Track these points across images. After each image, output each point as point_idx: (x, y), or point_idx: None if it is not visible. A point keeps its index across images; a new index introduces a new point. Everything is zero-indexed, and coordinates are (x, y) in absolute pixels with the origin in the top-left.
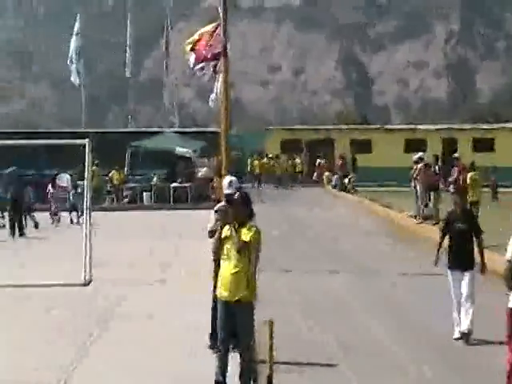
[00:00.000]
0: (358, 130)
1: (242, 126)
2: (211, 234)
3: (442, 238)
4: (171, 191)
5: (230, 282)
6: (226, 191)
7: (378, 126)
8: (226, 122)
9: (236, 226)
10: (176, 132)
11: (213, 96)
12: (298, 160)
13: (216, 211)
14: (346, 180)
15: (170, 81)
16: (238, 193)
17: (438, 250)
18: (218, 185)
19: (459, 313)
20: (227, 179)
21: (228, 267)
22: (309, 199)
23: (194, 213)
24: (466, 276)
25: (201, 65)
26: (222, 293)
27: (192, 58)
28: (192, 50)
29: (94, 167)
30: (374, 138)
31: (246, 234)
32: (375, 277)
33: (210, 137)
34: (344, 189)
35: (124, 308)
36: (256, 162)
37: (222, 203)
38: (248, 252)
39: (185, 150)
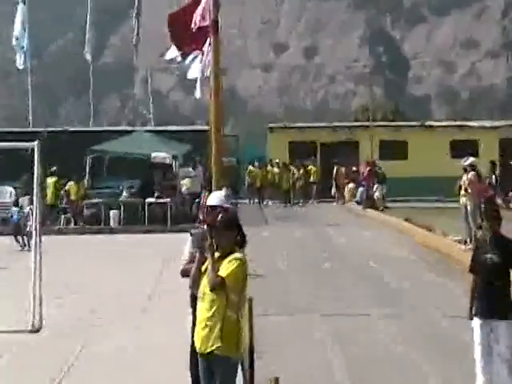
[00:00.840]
0: (390, 129)
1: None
2: (184, 273)
3: (476, 275)
4: (145, 209)
5: (202, 328)
6: (210, 202)
7: (416, 123)
8: (218, 118)
9: (216, 257)
10: (151, 131)
11: (199, 84)
12: (312, 167)
13: (192, 234)
14: (377, 194)
15: (143, 64)
16: (223, 211)
17: (473, 296)
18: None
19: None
20: (217, 192)
21: (201, 310)
22: (326, 220)
23: (174, 238)
24: (500, 327)
25: (182, 51)
26: (195, 341)
27: (173, 49)
28: (171, 29)
29: (51, 178)
30: (410, 138)
31: (225, 268)
32: (418, 317)
33: (196, 138)
34: (371, 205)
35: (81, 367)
36: (257, 172)
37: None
38: (226, 292)
39: (163, 155)
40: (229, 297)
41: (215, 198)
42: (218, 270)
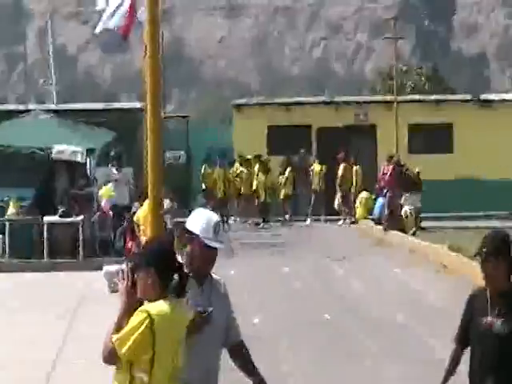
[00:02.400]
0: (425, 106)
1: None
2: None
3: (460, 345)
4: (43, 233)
5: None
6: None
7: (465, 96)
8: (155, 91)
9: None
10: (52, 112)
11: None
12: (316, 164)
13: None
14: (406, 208)
15: (39, 7)
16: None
17: (449, 373)
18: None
19: None
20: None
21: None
22: (329, 249)
23: (89, 278)
24: None
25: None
26: None
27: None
28: None
29: None
30: (457, 120)
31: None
32: None
33: (122, 122)
34: (397, 224)
35: None
36: (218, 174)
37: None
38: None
39: (71, 149)
40: (131, 372)
41: (200, 222)
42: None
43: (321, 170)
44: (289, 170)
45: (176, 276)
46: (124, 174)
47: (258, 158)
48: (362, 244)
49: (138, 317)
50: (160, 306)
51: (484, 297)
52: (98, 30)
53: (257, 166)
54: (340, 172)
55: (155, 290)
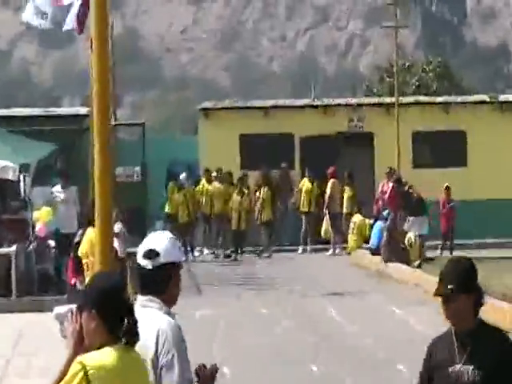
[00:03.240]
0: (433, 109)
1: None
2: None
3: None
4: None
5: None
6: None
7: (482, 97)
8: (103, 94)
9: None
10: None
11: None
12: (306, 181)
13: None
14: (410, 234)
15: None
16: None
17: None
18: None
19: None
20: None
21: None
22: (318, 284)
23: (25, 321)
24: None
25: None
26: None
27: None
28: None
29: None
30: (471, 127)
31: None
32: None
33: (64, 131)
34: (399, 255)
35: None
36: (182, 195)
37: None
38: None
39: (2, 164)
40: None
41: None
42: None
43: (312, 189)
44: (265, 189)
45: (125, 318)
46: (71, 192)
47: (230, 175)
48: (357, 278)
49: (72, 369)
50: (100, 356)
51: (448, 342)
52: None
53: (226, 183)
54: (328, 190)
55: (99, 335)
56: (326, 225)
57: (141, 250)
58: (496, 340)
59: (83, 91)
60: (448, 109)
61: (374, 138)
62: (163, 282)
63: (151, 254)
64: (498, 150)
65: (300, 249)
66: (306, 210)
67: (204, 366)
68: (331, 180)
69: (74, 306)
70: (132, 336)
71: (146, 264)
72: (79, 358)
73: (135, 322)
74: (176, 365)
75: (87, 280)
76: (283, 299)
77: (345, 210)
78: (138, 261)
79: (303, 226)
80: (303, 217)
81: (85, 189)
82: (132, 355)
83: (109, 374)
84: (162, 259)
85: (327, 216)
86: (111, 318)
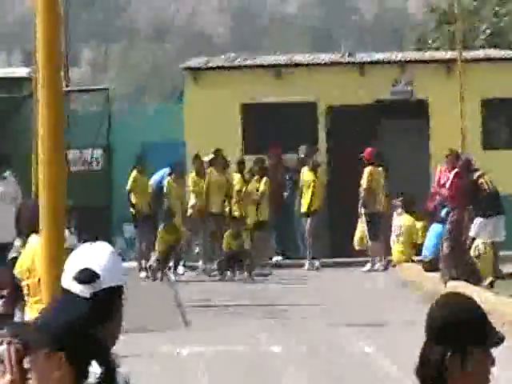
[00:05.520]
0: (510, 66)
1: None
2: None
3: None
4: None
5: None
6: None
7: None
8: (52, 47)
9: None
10: None
11: None
12: (307, 165)
13: None
14: (479, 243)
15: None
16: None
17: None
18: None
19: None
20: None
21: None
22: (346, 313)
23: None
24: None
25: None
26: None
27: None
28: None
29: None
30: None
31: None
32: None
33: (3, 97)
34: (466, 270)
35: None
36: (170, 190)
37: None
38: None
39: None
40: None
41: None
42: None
43: (315, 179)
44: (264, 181)
45: (96, 364)
46: (8, 183)
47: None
48: (405, 303)
49: None
50: None
51: None
52: None
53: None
54: (364, 181)
55: None
56: (360, 230)
57: (70, 270)
58: None
59: (24, 45)
60: None
61: (429, 107)
62: (102, 315)
63: (88, 277)
64: None
65: (306, 264)
66: (305, 209)
67: None
68: (368, 168)
69: (3, 346)
70: None
71: (81, 291)
72: None
73: (113, 367)
74: None
75: (35, 308)
76: (300, 331)
77: (405, 218)
78: (67, 286)
79: (307, 231)
80: (304, 219)
81: (25, 180)
82: None
83: None
84: (103, 283)
85: (364, 218)
86: (82, 363)
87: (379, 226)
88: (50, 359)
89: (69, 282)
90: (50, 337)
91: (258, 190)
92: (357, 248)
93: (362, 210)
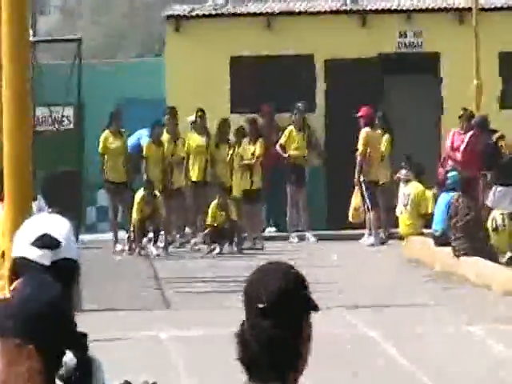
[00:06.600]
0: None
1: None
2: None
3: None
4: None
5: None
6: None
7: None
8: None
9: None
10: None
11: None
12: (295, 121)
13: None
14: (496, 214)
15: None
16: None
17: None
18: None
19: None
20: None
21: None
22: (348, 294)
23: None
24: None
25: None
26: None
27: None
28: None
29: None
30: None
31: None
32: None
33: None
34: (482, 242)
35: None
36: (151, 152)
37: None
38: None
39: None
40: None
41: (58, 233)
42: None
43: (304, 136)
44: (260, 142)
45: (69, 353)
46: None
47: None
48: (411, 280)
49: None
50: None
51: None
52: None
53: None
54: (360, 145)
55: (34, 381)
56: (356, 200)
57: (26, 236)
58: None
59: None
60: None
61: (440, 62)
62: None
63: (50, 242)
64: None
65: (292, 236)
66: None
67: None
68: (364, 129)
69: None
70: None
71: (41, 257)
72: None
73: (88, 357)
74: None
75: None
76: None
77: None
78: (20, 253)
79: (288, 202)
80: (295, 188)
81: None
82: None
83: None
84: (63, 252)
85: (362, 186)
86: (54, 355)
87: (377, 196)
88: (20, 349)
89: (25, 249)
90: (22, 324)
91: (253, 154)
92: (351, 220)
93: (360, 178)
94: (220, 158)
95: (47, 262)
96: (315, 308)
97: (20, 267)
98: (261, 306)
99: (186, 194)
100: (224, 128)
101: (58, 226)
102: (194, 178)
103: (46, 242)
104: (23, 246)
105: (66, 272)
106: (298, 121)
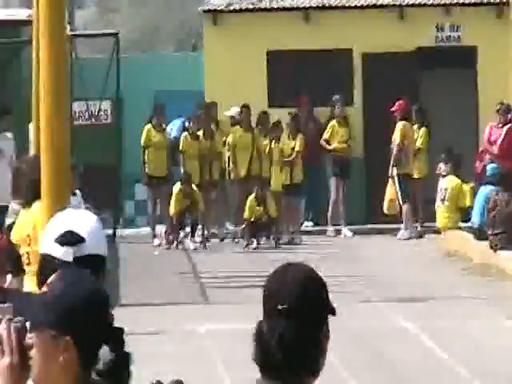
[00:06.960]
0: None
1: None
2: None
3: None
4: None
5: None
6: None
7: None
8: None
9: None
10: None
11: None
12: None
13: None
14: None
15: None
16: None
17: None
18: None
19: None
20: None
21: None
22: (378, 288)
23: None
24: None
25: None
26: None
27: None
28: None
29: None
30: None
31: None
32: None
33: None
34: None
35: None
36: (187, 146)
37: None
38: None
39: None
40: None
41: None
42: None
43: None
44: (300, 137)
45: (106, 347)
46: (5, 139)
47: (261, 113)
48: (449, 274)
49: None
50: None
51: None
52: None
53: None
54: (397, 137)
55: (70, 374)
56: (390, 193)
57: (51, 233)
58: None
59: None
60: None
61: (478, 55)
62: None
63: (72, 239)
64: None
65: (330, 229)
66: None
67: None
68: (401, 122)
69: (13, 318)
70: (120, 374)
71: (64, 254)
72: None
73: (126, 352)
74: None
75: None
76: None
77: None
78: (46, 250)
79: (333, 195)
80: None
81: (22, 136)
82: None
83: None
84: (88, 248)
85: (396, 179)
86: (91, 348)
87: (410, 189)
88: (57, 342)
89: (50, 246)
90: (58, 317)
91: (293, 149)
92: (386, 212)
93: (394, 171)
94: (260, 152)
95: (70, 259)
96: (332, 311)
97: (46, 263)
98: (282, 307)
99: (228, 188)
100: (264, 121)
101: (83, 221)
102: (241, 174)
103: (68, 238)
104: (48, 243)
105: (90, 268)
106: (340, 113)
